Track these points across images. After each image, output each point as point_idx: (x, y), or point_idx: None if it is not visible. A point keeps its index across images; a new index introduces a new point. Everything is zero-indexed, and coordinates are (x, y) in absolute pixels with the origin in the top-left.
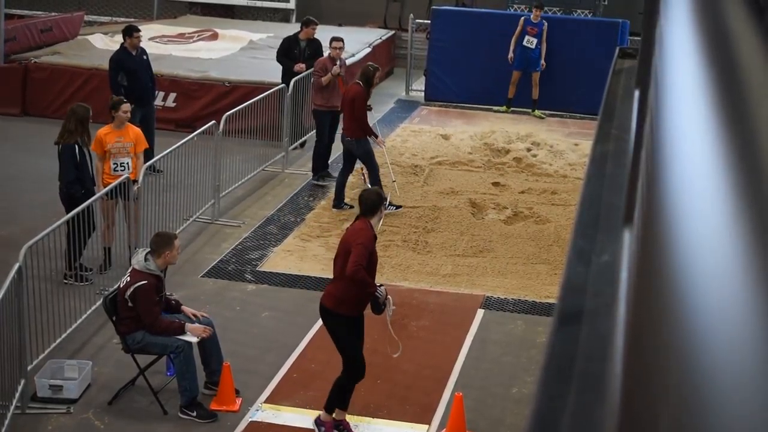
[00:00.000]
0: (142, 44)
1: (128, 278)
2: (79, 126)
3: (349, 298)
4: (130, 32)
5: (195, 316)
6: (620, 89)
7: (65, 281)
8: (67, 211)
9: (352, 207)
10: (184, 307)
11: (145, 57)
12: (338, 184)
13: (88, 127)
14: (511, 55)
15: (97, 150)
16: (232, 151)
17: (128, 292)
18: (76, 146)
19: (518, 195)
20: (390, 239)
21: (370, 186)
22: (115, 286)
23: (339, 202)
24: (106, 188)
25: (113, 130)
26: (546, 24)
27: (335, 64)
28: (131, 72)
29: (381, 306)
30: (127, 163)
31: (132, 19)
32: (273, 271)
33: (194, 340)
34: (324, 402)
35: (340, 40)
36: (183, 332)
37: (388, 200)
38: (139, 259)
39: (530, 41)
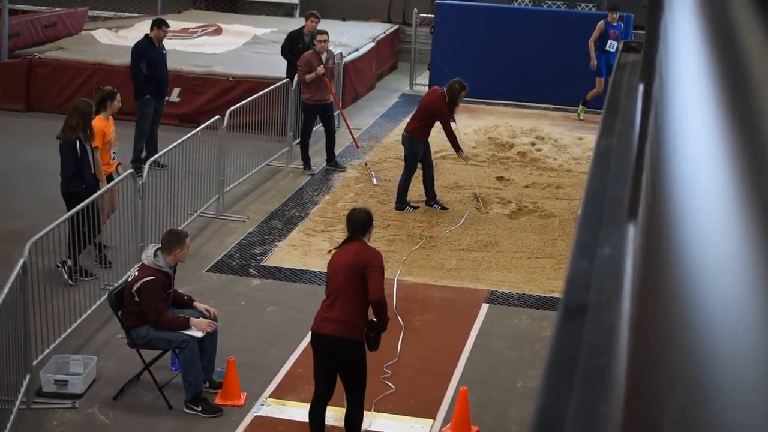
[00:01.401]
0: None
1: (136, 273)
2: (81, 121)
3: (360, 323)
4: (159, 24)
5: (207, 311)
6: (624, 83)
7: (67, 276)
8: (68, 206)
9: (447, 209)
10: (196, 303)
11: (164, 51)
12: (424, 182)
13: (90, 122)
14: (594, 61)
15: (99, 143)
16: (236, 146)
17: (135, 287)
18: (77, 141)
19: (522, 189)
20: (395, 234)
21: (375, 182)
22: (121, 281)
23: (430, 200)
24: (121, 177)
25: (107, 121)
26: (623, 24)
27: (321, 58)
28: (152, 62)
29: (377, 341)
30: (116, 151)
31: (136, 14)
32: (277, 265)
33: (199, 334)
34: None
35: (325, 33)
36: (188, 327)
37: (465, 216)
38: (148, 255)
39: (612, 45)
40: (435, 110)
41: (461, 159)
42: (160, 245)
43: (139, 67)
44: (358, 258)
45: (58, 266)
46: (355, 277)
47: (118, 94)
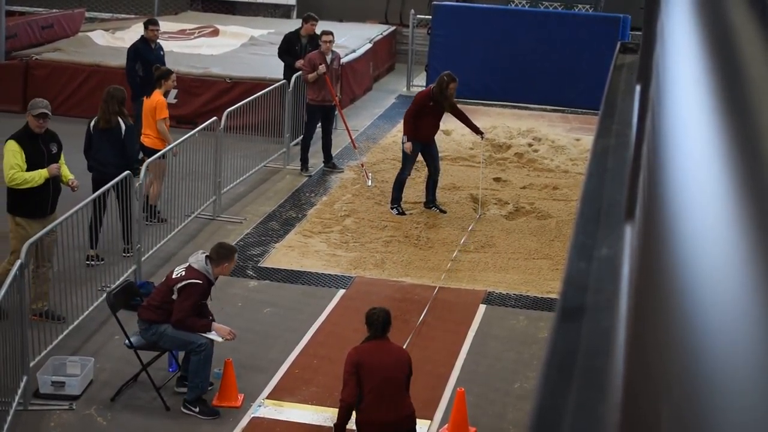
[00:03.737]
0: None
1: (183, 272)
2: (122, 106)
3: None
4: (146, 25)
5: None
6: (621, 84)
7: (88, 263)
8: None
9: (445, 212)
10: (214, 324)
11: (161, 52)
12: (426, 185)
13: (125, 107)
14: None
15: (167, 113)
16: (233, 148)
17: (180, 284)
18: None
19: (520, 190)
20: (392, 235)
21: (370, 184)
22: (119, 281)
23: (429, 202)
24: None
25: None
26: None
27: (325, 59)
28: (148, 63)
29: None
30: None
31: (132, 16)
32: (275, 267)
33: (219, 339)
34: (325, 397)
35: (330, 33)
36: (209, 330)
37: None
38: (199, 259)
39: None
40: (414, 101)
41: (482, 138)
42: (208, 253)
43: (134, 68)
44: (402, 357)
45: (89, 263)
46: (404, 375)
47: (174, 74)
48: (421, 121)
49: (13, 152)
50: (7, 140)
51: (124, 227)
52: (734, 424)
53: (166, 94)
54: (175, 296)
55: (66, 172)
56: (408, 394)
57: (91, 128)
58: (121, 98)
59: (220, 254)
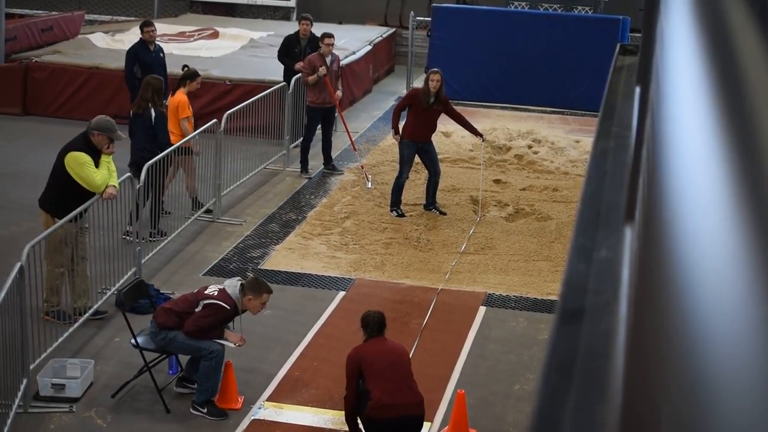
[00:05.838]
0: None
1: (216, 292)
2: (156, 94)
3: None
4: (141, 27)
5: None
6: (621, 86)
7: (125, 237)
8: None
9: (445, 214)
10: (226, 331)
11: (161, 55)
12: (426, 187)
13: (161, 96)
14: None
15: (189, 112)
16: (233, 150)
17: (207, 300)
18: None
19: (519, 192)
20: (392, 237)
21: (370, 186)
22: (124, 279)
23: (429, 204)
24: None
25: (186, 96)
26: None
27: (325, 61)
28: (146, 65)
29: None
30: None
31: (133, 18)
32: (274, 269)
33: (232, 345)
34: (325, 399)
35: (331, 36)
36: (222, 337)
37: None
38: (233, 285)
39: None
40: (404, 97)
41: (482, 141)
42: (243, 282)
43: (132, 70)
44: (401, 348)
45: (125, 237)
46: (407, 363)
47: (200, 77)
48: (415, 120)
49: (89, 161)
50: (73, 152)
51: (152, 213)
52: (734, 427)
53: (189, 95)
54: (198, 309)
55: (113, 179)
56: (413, 381)
57: (131, 115)
58: (157, 87)
59: (249, 285)
